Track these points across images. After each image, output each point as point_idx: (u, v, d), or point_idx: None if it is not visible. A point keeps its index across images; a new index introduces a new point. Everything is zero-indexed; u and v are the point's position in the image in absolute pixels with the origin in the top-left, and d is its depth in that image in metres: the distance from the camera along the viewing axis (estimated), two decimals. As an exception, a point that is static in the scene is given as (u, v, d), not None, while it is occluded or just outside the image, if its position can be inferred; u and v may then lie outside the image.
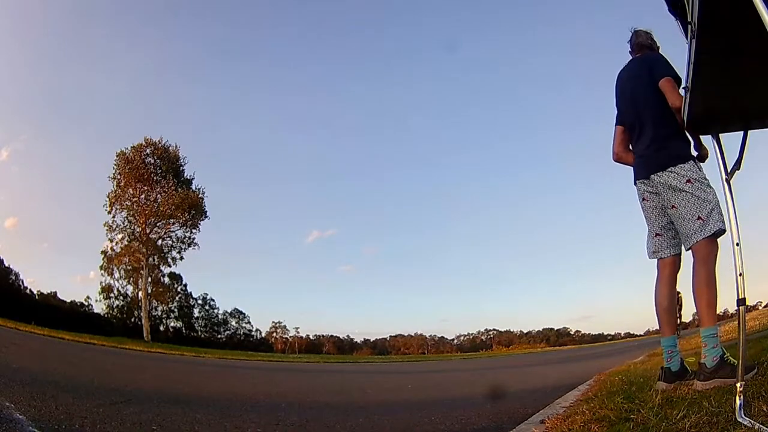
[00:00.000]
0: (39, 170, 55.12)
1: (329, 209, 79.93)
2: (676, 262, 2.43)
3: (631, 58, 2.71)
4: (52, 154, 55.49)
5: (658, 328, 2.50)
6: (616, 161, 2.70)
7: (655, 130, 2.41)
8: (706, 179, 2.27)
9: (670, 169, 2.31)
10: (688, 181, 2.26)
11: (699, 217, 2.20)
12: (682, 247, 2.38)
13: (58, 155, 56.06)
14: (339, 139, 78.91)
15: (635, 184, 2.53)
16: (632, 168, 2.58)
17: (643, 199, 2.47)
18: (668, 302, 2.39)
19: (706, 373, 2.04)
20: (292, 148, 76.35)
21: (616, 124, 2.71)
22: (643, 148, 2.47)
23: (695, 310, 2.28)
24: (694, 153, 2.40)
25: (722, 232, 2.14)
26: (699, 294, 2.15)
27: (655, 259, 2.47)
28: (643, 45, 2.66)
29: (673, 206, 2.32)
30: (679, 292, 2.55)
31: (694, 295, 2.19)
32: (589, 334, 66.91)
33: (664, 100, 2.34)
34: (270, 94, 74.15)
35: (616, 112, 2.73)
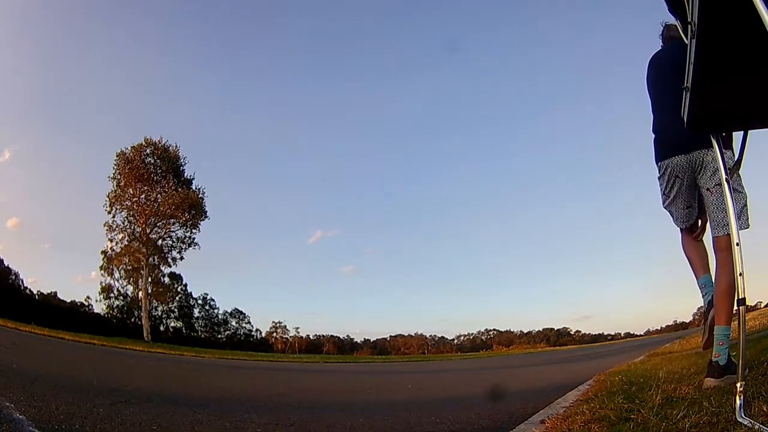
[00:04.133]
0: (41, 171, 55.19)
1: (333, 210, 79.97)
2: (699, 225, 2.52)
3: (662, 47, 2.71)
4: (53, 154, 55.58)
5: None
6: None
7: None
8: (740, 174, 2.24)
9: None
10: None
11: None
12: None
13: (59, 155, 56.16)
14: (343, 139, 78.84)
15: (661, 161, 2.47)
16: (659, 143, 2.52)
17: (677, 176, 2.42)
18: (702, 251, 2.48)
19: (720, 370, 2.08)
20: (295, 148, 76.26)
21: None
22: (678, 123, 2.34)
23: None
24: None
25: (746, 228, 2.17)
26: (725, 296, 2.15)
27: (683, 227, 2.54)
28: (675, 37, 2.66)
29: (708, 189, 2.30)
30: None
31: (717, 295, 2.18)
32: (589, 334, 66.94)
33: None
34: (273, 94, 74.06)
35: (650, 100, 2.66)
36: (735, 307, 1.77)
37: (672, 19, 2.68)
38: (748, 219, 2.18)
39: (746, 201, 2.21)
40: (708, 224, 2.38)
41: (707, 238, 2.46)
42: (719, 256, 2.25)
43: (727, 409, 1.50)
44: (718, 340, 2.15)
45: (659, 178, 2.57)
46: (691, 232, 2.56)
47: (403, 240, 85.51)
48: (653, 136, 2.60)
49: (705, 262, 2.49)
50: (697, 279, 2.51)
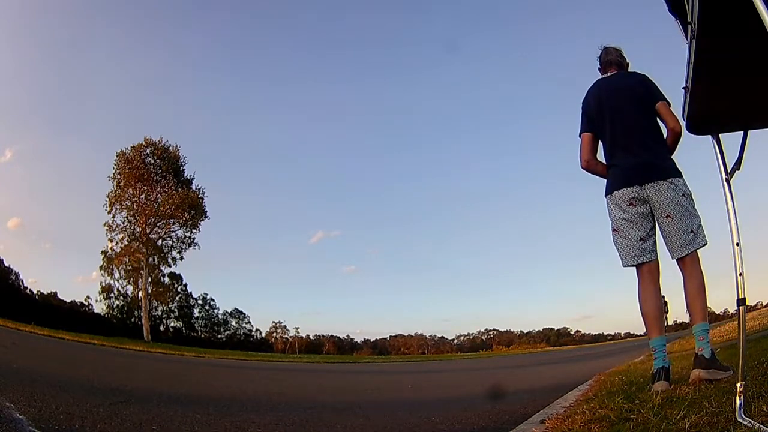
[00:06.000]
0: (42, 171, 55.03)
1: (335, 210, 79.85)
2: (659, 267, 2.51)
3: (600, 75, 2.77)
4: (54, 154, 55.46)
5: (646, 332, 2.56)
6: (585, 169, 2.69)
7: (650, 142, 2.50)
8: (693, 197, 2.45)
9: (671, 180, 2.40)
10: (684, 195, 2.40)
11: (691, 231, 2.37)
12: (657, 255, 2.50)
13: (60, 156, 56.04)
14: (345, 139, 78.73)
15: (616, 190, 2.51)
16: (612, 176, 2.57)
17: (630, 204, 2.46)
18: (660, 305, 2.51)
19: (706, 362, 2.17)
20: (296, 148, 76.13)
21: (583, 132, 2.70)
22: (634, 157, 2.49)
23: (688, 310, 2.41)
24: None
25: (705, 245, 2.39)
26: (697, 296, 2.33)
27: (634, 265, 2.49)
28: (613, 62, 2.75)
29: (668, 216, 2.39)
30: (664, 296, 2.68)
31: (690, 297, 2.35)
32: (589, 334, 66.91)
33: (656, 119, 2.52)
34: (274, 94, 73.93)
35: (582, 120, 2.72)
36: (735, 307, 1.77)
37: (613, 43, 2.81)
38: (705, 236, 2.38)
39: (701, 222, 2.39)
40: (666, 248, 2.43)
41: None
42: (685, 267, 2.37)
43: (727, 409, 1.50)
44: (699, 336, 2.25)
45: (609, 212, 2.56)
46: (651, 276, 2.48)
47: (405, 240, 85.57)
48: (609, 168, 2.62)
49: (661, 321, 2.49)
50: (650, 339, 2.47)
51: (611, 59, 2.75)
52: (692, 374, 2.19)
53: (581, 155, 2.70)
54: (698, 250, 2.38)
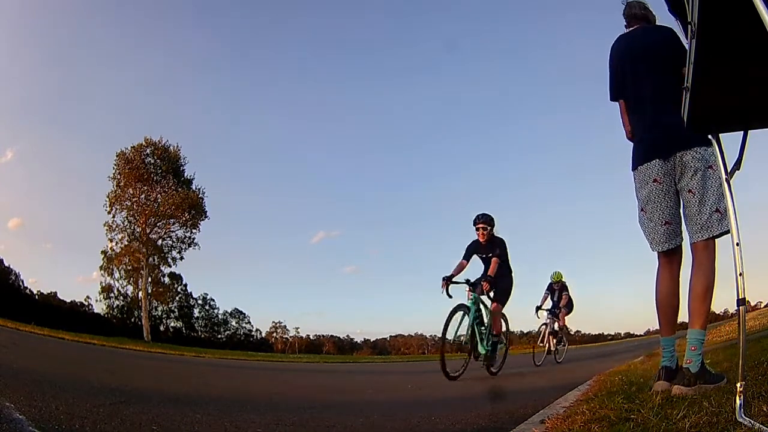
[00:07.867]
0: (42, 171, 54.93)
1: (336, 210, 79.80)
2: (681, 255, 2.29)
3: (626, 30, 2.54)
4: (54, 154, 55.40)
5: (658, 328, 2.39)
6: (632, 140, 2.44)
7: (674, 106, 2.17)
8: None
9: (695, 149, 2.15)
10: (710, 167, 2.13)
11: (717, 210, 2.09)
12: (682, 240, 2.27)
13: (60, 155, 55.96)
14: (345, 139, 78.71)
15: (641, 165, 2.30)
16: (636, 147, 2.37)
17: (655, 180, 2.23)
18: (675, 301, 2.29)
19: (690, 378, 2.00)
20: (297, 148, 76.10)
21: (618, 98, 2.48)
22: (655, 124, 2.26)
23: (688, 309, 2.16)
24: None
25: (728, 232, 2.06)
26: (704, 294, 2.08)
27: (663, 251, 2.28)
28: (637, 16, 2.51)
29: (690, 191, 2.15)
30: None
31: (693, 297, 2.10)
32: (589, 334, 66.81)
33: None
34: (274, 93, 73.91)
35: (610, 82, 2.50)
36: (735, 307, 1.77)
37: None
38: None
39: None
40: (686, 229, 2.21)
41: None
42: (697, 256, 2.14)
43: (727, 409, 1.50)
44: (691, 345, 2.05)
45: (636, 189, 2.37)
46: (671, 266, 2.28)
47: (405, 240, 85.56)
48: (634, 139, 2.40)
49: (674, 320, 2.30)
50: (661, 336, 2.33)
51: (635, 12, 2.50)
52: (673, 390, 2.03)
53: (625, 126, 2.47)
54: (717, 240, 2.09)
